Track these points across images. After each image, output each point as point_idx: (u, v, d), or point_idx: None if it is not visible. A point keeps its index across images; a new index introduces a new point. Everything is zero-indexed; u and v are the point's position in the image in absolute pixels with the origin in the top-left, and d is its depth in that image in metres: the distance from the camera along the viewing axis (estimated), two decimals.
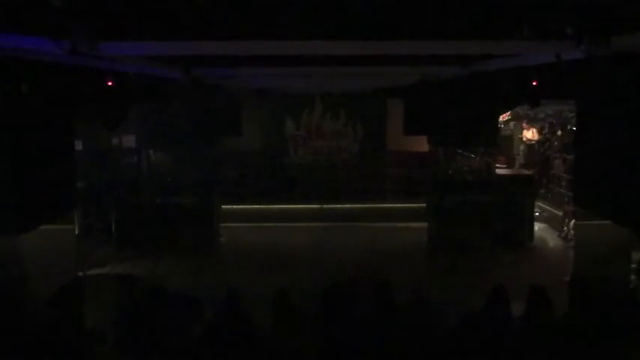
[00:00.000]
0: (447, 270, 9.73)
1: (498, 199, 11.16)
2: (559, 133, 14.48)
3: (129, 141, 13.01)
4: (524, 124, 15.98)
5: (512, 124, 16.90)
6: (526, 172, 13.36)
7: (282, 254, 10.46)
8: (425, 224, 11.46)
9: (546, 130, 15.48)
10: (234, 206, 12.82)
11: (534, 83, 6.72)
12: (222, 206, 12.12)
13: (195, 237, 10.97)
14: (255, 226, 12.49)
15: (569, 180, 11.78)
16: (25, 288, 7.01)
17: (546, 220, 12.66)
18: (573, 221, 10.42)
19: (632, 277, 7.78)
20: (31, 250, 7.33)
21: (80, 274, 9.32)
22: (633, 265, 7.94)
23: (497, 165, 12.75)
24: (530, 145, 15.50)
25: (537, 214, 12.33)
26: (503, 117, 15.07)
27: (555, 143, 14.45)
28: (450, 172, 12.46)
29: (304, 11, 4.07)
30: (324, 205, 13.15)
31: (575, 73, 5.24)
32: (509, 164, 14.16)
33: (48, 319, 5.09)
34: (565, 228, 11.37)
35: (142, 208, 11.04)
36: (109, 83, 6.29)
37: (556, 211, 12.48)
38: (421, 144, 12.76)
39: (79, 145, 9.53)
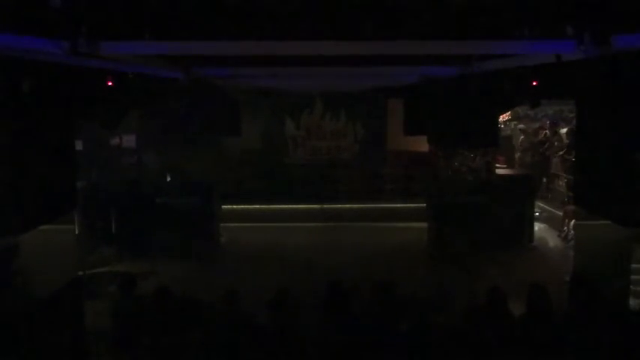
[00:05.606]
0: (446, 270, 9.72)
1: (498, 199, 11.16)
2: (561, 131, 14.46)
3: (129, 141, 13.02)
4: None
5: (512, 124, 16.88)
6: (526, 172, 13.36)
7: (282, 254, 10.47)
8: (425, 224, 11.46)
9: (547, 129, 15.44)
10: (234, 206, 12.82)
11: (534, 83, 6.71)
12: (222, 206, 12.12)
13: (195, 237, 10.96)
14: (255, 226, 12.49)
15: (569, 180, 11.77)
16: (24, 288, 7.02)
17: (546, 220, 12.66)
18: (573, 221, 10.43)
19: (633, 277, 7.77)
20: (31, 250, 7.32)
21: (80, 274, 9.32)
22: (633, 265, 7.93)
23: (497, 165, 12.75)
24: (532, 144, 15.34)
25: (537, 214, 12.33)
26: (504, 117, 15.05)
27: (555, 143, 14.44)
28: (450, 172, 12.44)
29: (304, 11, 4.07)
30: (324, 205, 13.15)
31: (575, 73, 5.23)
32: (509, 164, 14.15)
33: (48, 319, 5.10)
34: (565, 228, 11.38)
35: (142, 208, 11.04)
36: (109, 83, 6.29)
37: (556, 211, 12.48)
38: (421, 144, 12.74)
39: (79, 145, 9.54)
